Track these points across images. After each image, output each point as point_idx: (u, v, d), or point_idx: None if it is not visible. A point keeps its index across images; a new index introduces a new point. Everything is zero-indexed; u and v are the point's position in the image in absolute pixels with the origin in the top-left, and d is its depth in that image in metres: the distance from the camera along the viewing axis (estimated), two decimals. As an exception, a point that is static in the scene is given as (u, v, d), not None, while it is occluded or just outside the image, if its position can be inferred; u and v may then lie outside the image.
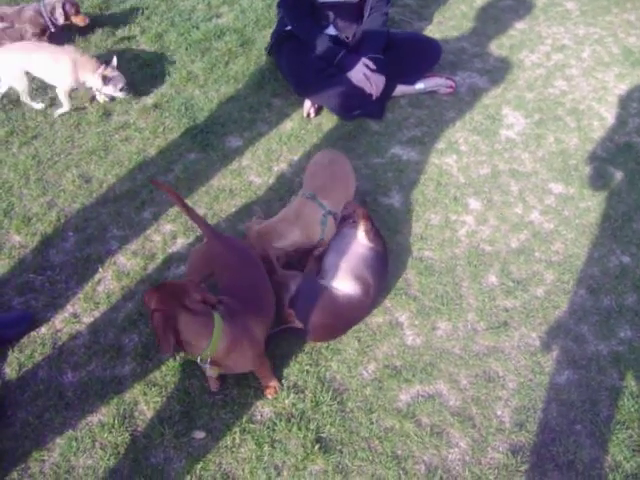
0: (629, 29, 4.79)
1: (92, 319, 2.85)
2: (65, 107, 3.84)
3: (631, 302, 2.97)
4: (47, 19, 4.15)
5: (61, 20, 4.19)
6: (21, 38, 4.11)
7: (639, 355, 2.77)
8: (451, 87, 4.05)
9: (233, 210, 3.32)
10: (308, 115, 3.87)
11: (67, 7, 4.18)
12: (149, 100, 3.94)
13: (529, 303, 2.96)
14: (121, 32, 4.49)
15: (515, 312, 2.92)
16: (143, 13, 4.69)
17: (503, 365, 2.73)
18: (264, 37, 4.46)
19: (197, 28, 4.55)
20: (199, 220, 2.65)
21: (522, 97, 4.10)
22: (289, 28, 3.93)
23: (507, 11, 4.95)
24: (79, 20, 4.29)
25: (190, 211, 2.62)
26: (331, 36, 3.88)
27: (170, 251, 3.12)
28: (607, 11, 5.02)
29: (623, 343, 2.82)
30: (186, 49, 4.34)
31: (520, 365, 2.73)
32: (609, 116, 3.99)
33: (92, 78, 3.75)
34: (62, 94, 3.79)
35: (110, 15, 4.68)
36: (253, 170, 3.55)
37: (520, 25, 4.80)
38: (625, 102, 4.09)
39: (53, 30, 4.21)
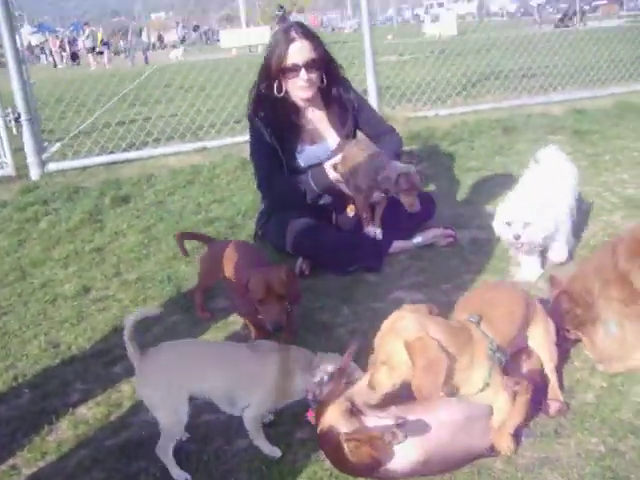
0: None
1: (35, 469, 2.30)
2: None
3: None
4: None
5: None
6: None
7: None
8: (451, 236, 3.81)
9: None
10: (301, 272, 3.60)
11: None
12: (131, 275, 3.73)
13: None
14: (109, 228, 4.45)
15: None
16: (133, 214, 4.68)
17: None
18: (253, 225, 4.34)
19: (186, 220, 4.50)
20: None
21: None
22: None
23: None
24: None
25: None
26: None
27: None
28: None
29: None
30: (173, 237, 4.21)
31: None
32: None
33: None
34: None
35: (99, 218, 4.68)
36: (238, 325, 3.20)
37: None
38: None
39: None
